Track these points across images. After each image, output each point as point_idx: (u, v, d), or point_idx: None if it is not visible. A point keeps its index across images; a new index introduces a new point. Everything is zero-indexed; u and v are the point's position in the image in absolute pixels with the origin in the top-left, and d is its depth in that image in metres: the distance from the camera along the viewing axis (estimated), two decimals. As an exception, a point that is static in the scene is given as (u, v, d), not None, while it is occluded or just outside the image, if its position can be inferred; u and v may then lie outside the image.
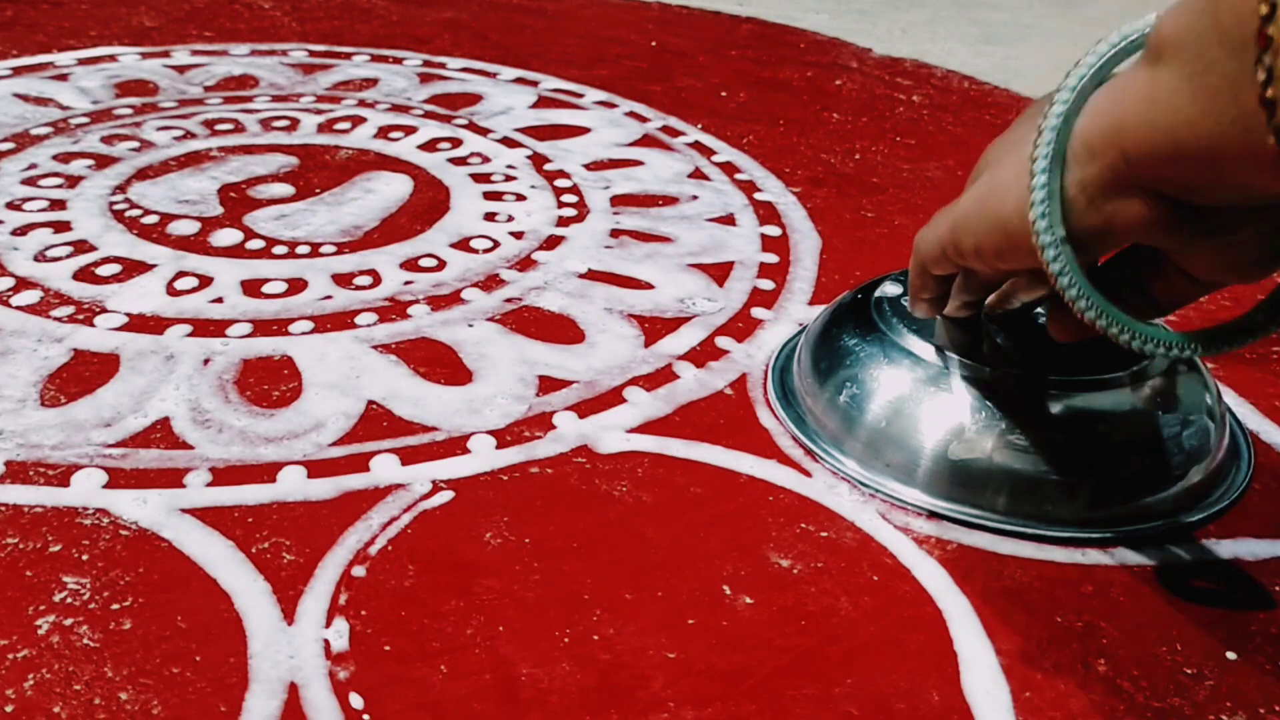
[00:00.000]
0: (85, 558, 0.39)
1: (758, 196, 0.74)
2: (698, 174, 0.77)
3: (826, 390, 0.48)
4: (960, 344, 0.45)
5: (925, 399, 0.45)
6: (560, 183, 0.74)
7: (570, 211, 0.70)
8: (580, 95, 0.91)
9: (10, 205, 0.66)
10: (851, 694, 0.36)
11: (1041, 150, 0.30)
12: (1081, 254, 0.31)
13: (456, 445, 0.47)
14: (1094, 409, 0.43)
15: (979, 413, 0.43)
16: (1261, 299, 0.33)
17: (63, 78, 0.86)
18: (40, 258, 0.60)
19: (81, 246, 0.62)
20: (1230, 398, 0.54)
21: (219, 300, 0.57)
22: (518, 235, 0.66)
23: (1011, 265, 0.34)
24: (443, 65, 0.95)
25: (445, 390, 0.51)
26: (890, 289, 0.50)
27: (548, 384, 0.51)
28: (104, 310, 0.55)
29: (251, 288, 0.58)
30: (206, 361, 0.52)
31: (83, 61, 0.90)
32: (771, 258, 0.65)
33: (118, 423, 0.47)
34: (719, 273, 0.63)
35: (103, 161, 0.72)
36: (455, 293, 0.59)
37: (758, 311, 0.59)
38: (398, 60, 0.95)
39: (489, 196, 0.71)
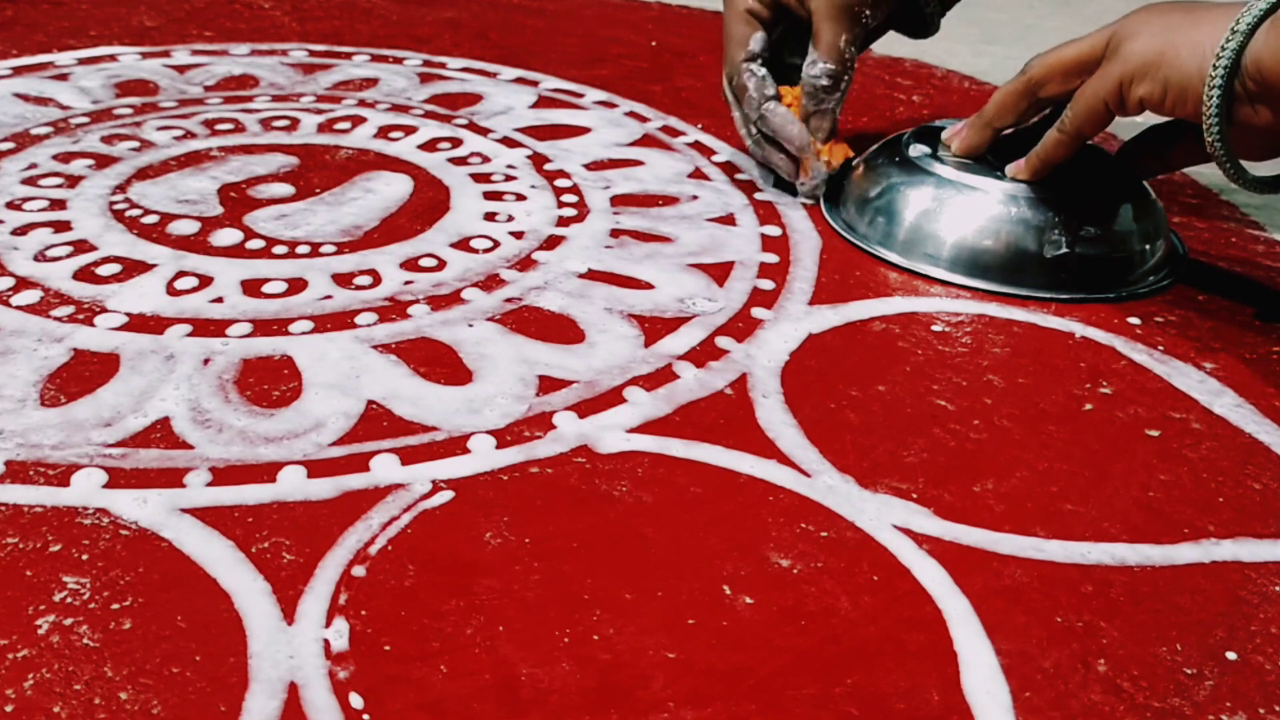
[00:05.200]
0: (85, 558, 0.39)
1: (758, 196, 0.74)
2: (698, 174, 0.77)
3: (870, 209, 0.67)
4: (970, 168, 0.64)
5: (948, 206, 0.63)
6: (560, 182, 0.74)
7: (570, 211, 0.70)
8: (580, 95, 0.91)
9: (10, 205, 0.66)
10: (851, 694, 0.36)
11: (1230, 48, 0.47)
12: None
13: (456, 445, 0.47)
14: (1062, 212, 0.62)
15: (985, 214, 0.62)
16: None
17: (63, 78, 0.86)
18: (40, 257, 0.60)
19: (81, 246, 0.62)
20: (1230, 398, 0.54)
21: (219, 300, 0.57)
22: (518, 235, 0.66)
23: (1171, 112, 0.52)
24: (443, 65, 0.95)
25: (445, 390, 0.51)
26: (915, 149, 0.66)
27: (548, 384, 0.51)
28: (104, 310, 0.55)
29: (251, 287, 0.58)
30: (206, 361, 0.52)
31: (83, 61, 0.90)
32: (771, 258, 0.65)
33: (118, 422, 0.47)
34: (719, 273, 0.63)
35: (103, 161, 0.72)
36: (455, 293, 0.59)
37: (758, 311, 0.59)
38: (398, 60, 0.95)
39: (489, 196, 0.71)
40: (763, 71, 0.65)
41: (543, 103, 0.88)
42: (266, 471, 0.44)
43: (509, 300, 0.59)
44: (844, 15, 0.61)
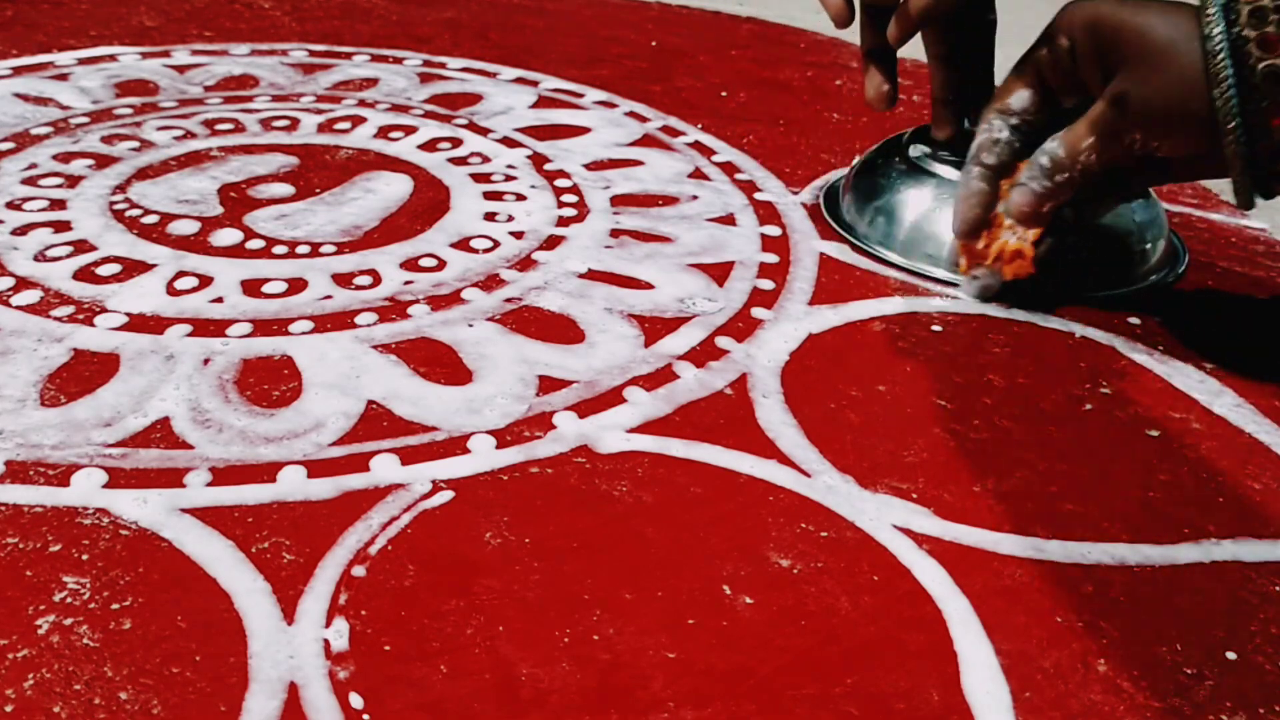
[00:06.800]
0: (85, 558, 0.39)
1: (758, 196, 0.74)
2: (698, 174, 0.77)
3: (870, 209, 0.67)
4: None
5: (948, 206, 0.62)
6: (560, 183, 0.74)
7: (570, 211, 0.70)
8: (580, 95, 0.91)
9: (10, 205, 0.66)
10: (851, 694, 0.36)
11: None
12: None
13: (456, 445, 0.47)
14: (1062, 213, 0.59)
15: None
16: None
17: (63, 78, 0.86)
18: (40, 257, 0.60)
19: (81, 246, 0.62)
20: (1230, 398, 0.54)
21: (219, 300, 0.57)
22: (518, 235, 0.66)
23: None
24: (443, 65, 0.95)
25: (445, 390, 0.51)
26: (915, 149, 0.67)
27: (548, 384, 0.51)
28: (104, 310, 0.55)
29: (251, 287, 0.58)
30: (206, 361, 0.52)
31: (83, 61, 0.90)
32: (771, 258, 0.65)
33: (118, 423, 0.47)
34: (719, 273, 0.63)
35: (103, 161, 0.72)
36: (455, 293, 0.59)
37: (758, 311, 0.59)
38: (398, 60, 0.95)
39: (489, 196, 0.71)
40: (1003, 133, 0.55)
41: (543, 103, 0.88)
42: (266, 471, 0.44)
43: (509, 300, 0.59)
44: (1109, 122, 0.49)
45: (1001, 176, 0.55)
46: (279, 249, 0.63)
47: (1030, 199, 0.53)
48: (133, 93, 0.84)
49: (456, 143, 0.79)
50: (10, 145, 0.74)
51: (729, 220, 0.70)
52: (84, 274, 0.59)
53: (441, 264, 0.62)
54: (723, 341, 0.56)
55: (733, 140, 0.83)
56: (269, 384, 0.50)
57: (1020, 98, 0.54)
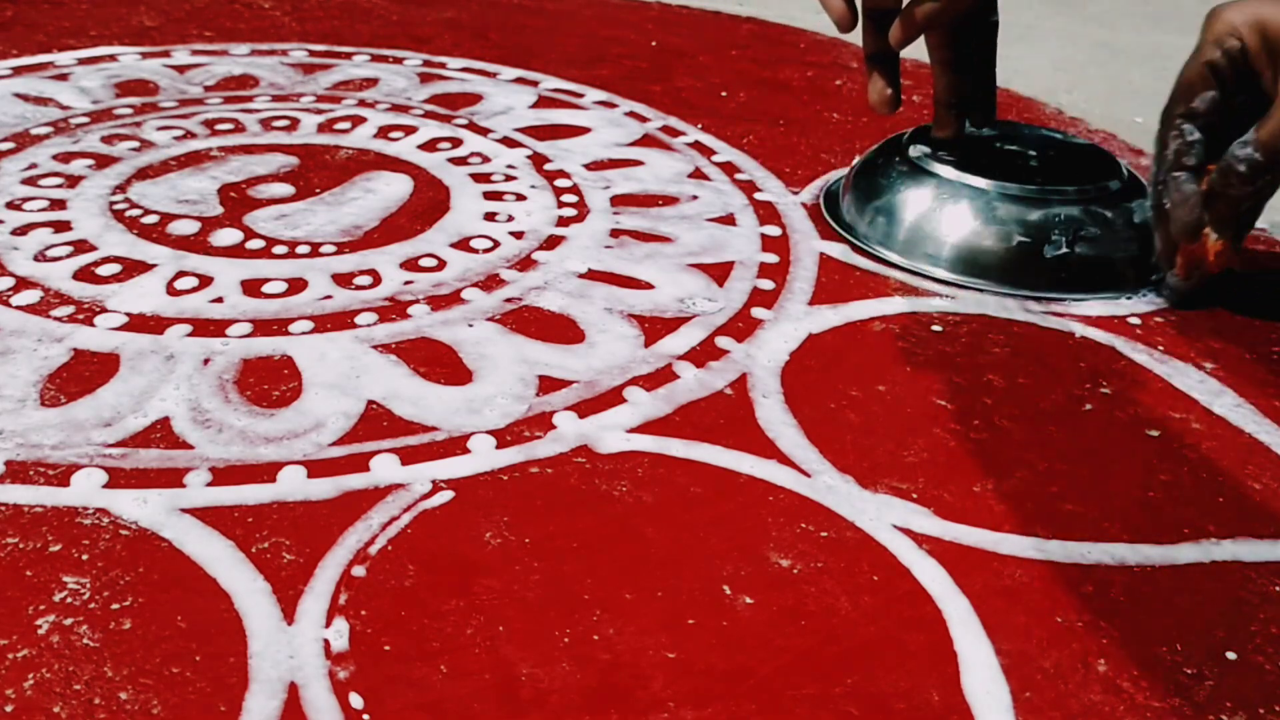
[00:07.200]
0: (85, 558, 0.39)
1: (758, 196, 0.74)
2: (698, 174, 0.77)
3: (870, 209, 0.67)
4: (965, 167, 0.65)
5: (946, 206, 0.64)
6: (560, 183, 0.74)
7: (570, 211, 0.70)
8: (580, 95, 0.91)
9: (10, 205, 0.66)
10: (851, 694, 0.36)
11: None
12: None
13: (456, 445, 0.47)
14: (1062, 213, 0.63)
15: (984, 214, 0.63)
16: None
17: (63, 78, 0.86)
18: (40, 257, 0.60)
19: (81, 246, 0.62)
20: (1230, 398, 0.54)
21: (219, 300, 0.57)
22: (518, 235, 0.66)
23: None
24: (443, 65, 0.95)
25: (445, 390, 0.51)
26: (915, 149, 0.67)
27: (548, 384, 0.51)
28: (104, 310, 0.55)
29: (251, 287, 0.58)
30: (206, 361, 0.52)
31: (83, 61, 0.90)
32: (771, 258, 0.65)
33: (118, 423, 0.47)
34: (719, 273, 0.63)
35: (103, 161, 0.72)
36: (455, 293, 0.59)
37: (758, 311, 0.59)
38: (398, 60, 0.95)
39: (489, 196, 0.71)
40: (1195, 135, 0.56)
41: (543, 103, 0.88)
42: (266, 471, 0.44)
43: (509, 300, 0.59)
44: None
45: (1200, 177, 0.57)
46: (279, 249, 0.63)
47: (1232, 208, 0.56)
48: (133, 93, 0.84)
49: (456, 143, 0.79)
50: (10, 145, 0.74)
51: (729, 220, 0.70)
52: (84, 274, 0.59)
53: (441, 264, 0.62)
54: (723, 341, 0.56)
55: (733, 140, 0.83)
56: (269, 384, 0.50)
57: (1205, 99, 0.56)
